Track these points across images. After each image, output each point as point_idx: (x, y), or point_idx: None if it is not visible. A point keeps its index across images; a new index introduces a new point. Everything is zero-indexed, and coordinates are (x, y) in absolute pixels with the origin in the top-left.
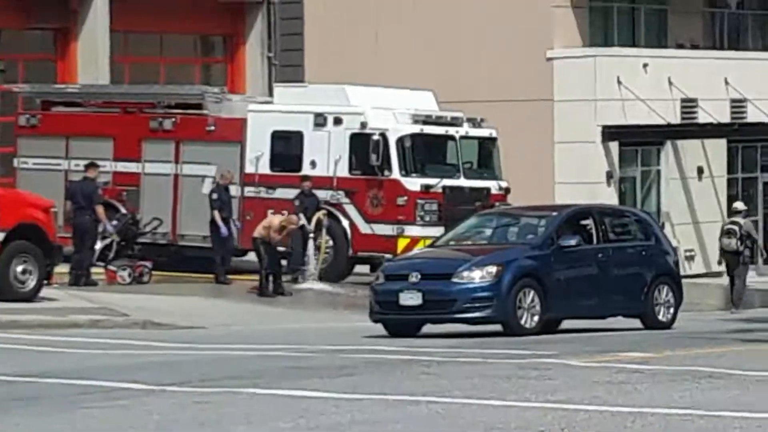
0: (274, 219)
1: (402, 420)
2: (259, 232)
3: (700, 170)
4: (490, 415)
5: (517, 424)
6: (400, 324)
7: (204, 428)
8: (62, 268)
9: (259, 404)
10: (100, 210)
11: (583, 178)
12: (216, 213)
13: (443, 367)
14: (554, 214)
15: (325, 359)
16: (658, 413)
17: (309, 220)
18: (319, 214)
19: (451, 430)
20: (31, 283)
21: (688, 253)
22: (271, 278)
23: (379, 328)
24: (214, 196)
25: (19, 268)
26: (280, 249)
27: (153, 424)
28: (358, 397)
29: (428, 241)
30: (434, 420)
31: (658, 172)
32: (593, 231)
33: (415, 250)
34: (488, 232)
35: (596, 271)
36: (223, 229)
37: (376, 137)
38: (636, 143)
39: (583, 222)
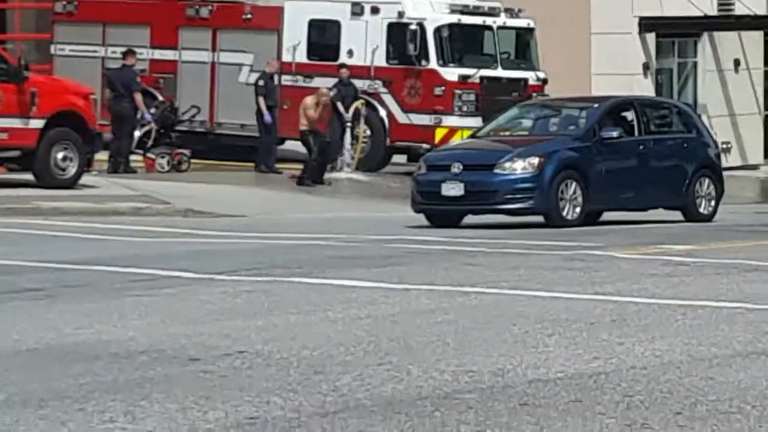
0: (306, 99)
1: (452, 311)
2: (302, 124)
3: (736, 62)
4: (539, 306)
5: (568, 316)
6: (442, 214)
7: (256, 317)
8: (101, 156)
9: (308, 293)
10: (138, 98)
11: (620, 70)
12: (261, 100)
13: (488, 258)
14: (595, 105)
15: (369, 249)
16: (707, 306)
17: (347, 109)
18: (357, 103)
19: (502, 321)
20: (72, 170)
21: (724, 146)
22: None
23: (421, 218)
24: (261, 83)
25: (60, 155)
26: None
27: (204, 312)
28: (406, 287)
29: (466, 132)
30: (484, 311)
31: (695, 63)
32: (634, 123)
33: (457, 141)
34: (529, 123)
35: (637, 163)
36: (267, 116)
37: (413, 27)
38: (673, 35)
39: (625, 114)
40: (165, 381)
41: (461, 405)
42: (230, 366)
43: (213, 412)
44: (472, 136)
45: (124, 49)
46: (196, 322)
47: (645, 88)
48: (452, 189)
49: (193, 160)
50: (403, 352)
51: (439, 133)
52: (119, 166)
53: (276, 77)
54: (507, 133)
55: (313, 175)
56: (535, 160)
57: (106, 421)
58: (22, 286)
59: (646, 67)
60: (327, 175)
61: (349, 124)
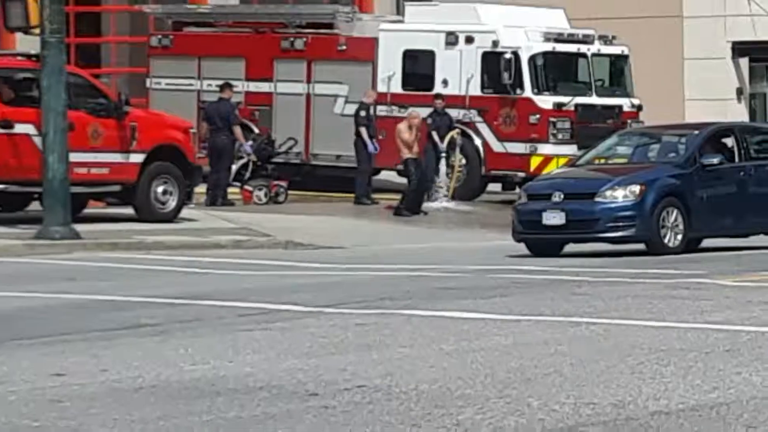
0: (399, 126)
1: (565, 342)
2: (403, 152)
3: None
4: (651, 336)
5: (681, 346)
6: (544, 243)
7: (371, 350)
8: (200, 189)
9: (419, 326)
10: (237, 131)
11: (713, 95)
12: (364, 130)
13: (594, 287)
14: (695, 132)
15: (473, 279)
16: None
17: (442, 139)
18: (453, 132)
19: (617, 352)
20: (172, 203)
21: None
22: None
23: (521, 248)
24: (362, 113)
25: (160, 189)
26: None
27: (317, 346)
28: (515, 318)
29: (562, 160)
30: (597, 341)
31: None
32: (735, 149)
33: (557, 170)
34: (629, 151)
35: (738, 190)
36: (371, 146)
37: (508, 55)
38: (766, 59)
39: (725, 140)
40: (288, 417)
41: None
42: (351, 401)
43: None
44: (572, 165)
45: (220, 83)
46: (311, 356)
47: (738, 114)
48: (553, 218)
49: (289, 192)
50: (521, 385)
51: (535, 161)
52: (217, 198)
53: (372, 108)
54: (606, 161)
55: (411, 205)
56: (636, 188)
57: None
58: (135, 321)
59: (739, 92)
60: (424, 205)
61: (443, 154)
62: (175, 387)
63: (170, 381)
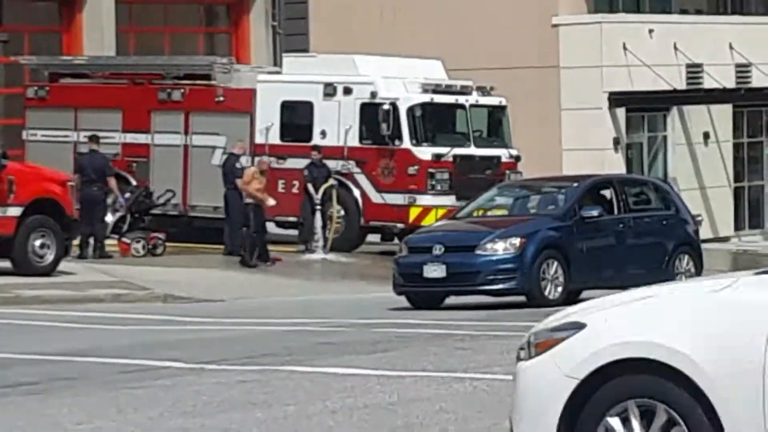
0: (247, 171)
1: (449, 398)
2: (246, 197)
3: (706, 135)
4: None
5: None
6: (425, 296)
7: (255, 408)
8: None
9: (302, 382)
10: (112, 182)
11: (591, 145)
12: (240, 182)
13: (477, 341)
14: (575, 184)
15: (355, 334)
16: None
17: (317, 191)
18: (326, 185)
19: (501, 408)
20: (50, 257)
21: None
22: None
23: (401, 300)
24: (238, 165)
25: (38, 243)
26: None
27: (201, 404)
28: (399, 374)
29: (441, 210)
30: (481, 397)
31: (665, 137)
32: (614, 201)
33: (437, 223)
34: (509, 203)
35: (617, 242)
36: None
37: (386, 107)
38: (642, 109)
39: (604, 192)
40: None
41: None
42: None
43: None
44: (453, 217)
45: (89, 135)
46: (195, 415)
47: (616, 163)
48: (434, 271)
49: (167, 244)
50: None
51: (414, 212)
52: (96, 250)
53: (243, 159)
54: (486, 213)
55: (255, 251)
56: (517, 241)
57: None
58: (14, 380)
59: (616, 141)
60: (303, 257)
61: (319, 206)
62: None
63: None
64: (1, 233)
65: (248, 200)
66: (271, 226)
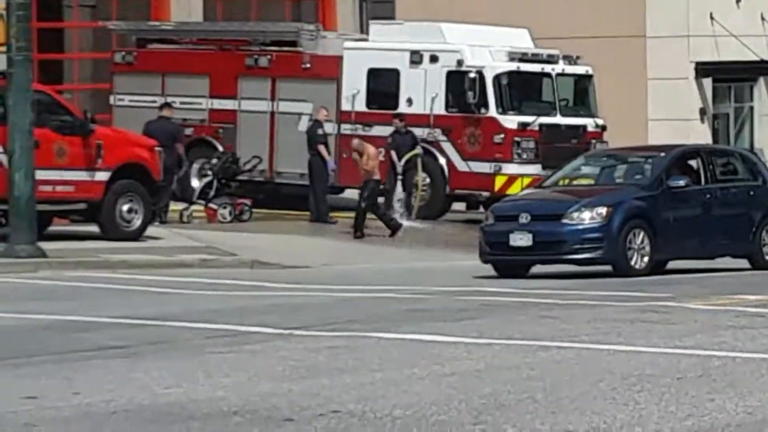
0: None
1: (536, 366)
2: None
3: None
4: (622, 361)
5: (653, 371)
6: (511, 265)
7: (343, 374)
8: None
9: (390, 349)
10: (181, 149)
11: (677, 115)
12: (323, 148)
13: (564, 310)
14: (662, 154)
15: (441, 301)
16: None
17: (400, 159)
18: (414, 152)
19: (589, 378)
20: (137, 222)
21: None
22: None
23: (487, 268)
24: (320, 131)
25: (125, 207)
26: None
27: (289, 369)
28: (486, 341)
29: (526, 179)
30: (569, 366)
31: (751, 108)
32: (701, 171)
33: (524, 191)
34: (595, 172)
35: (704, 212)
36: (331, 163)
37: (472, 75)
38: (729, 79)
39: (691, 162)
40: None
41: None
42: (326, 427)
43: None
44: (539, 186)
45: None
46: (283, 380)
47: (701, 134)
48: (520, 239)
49: (254, 210)
50: (495, 411)
51: (499, 181)
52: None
53: (329, 126)
54: (573, 182)
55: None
56: (603, 210)
57: None
58: (104, 343)
59: (702, 112)
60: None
61: (401, 175)
62: (149, 411)
63: (143, 405)
64: (90, 198)
65: (376, 177)
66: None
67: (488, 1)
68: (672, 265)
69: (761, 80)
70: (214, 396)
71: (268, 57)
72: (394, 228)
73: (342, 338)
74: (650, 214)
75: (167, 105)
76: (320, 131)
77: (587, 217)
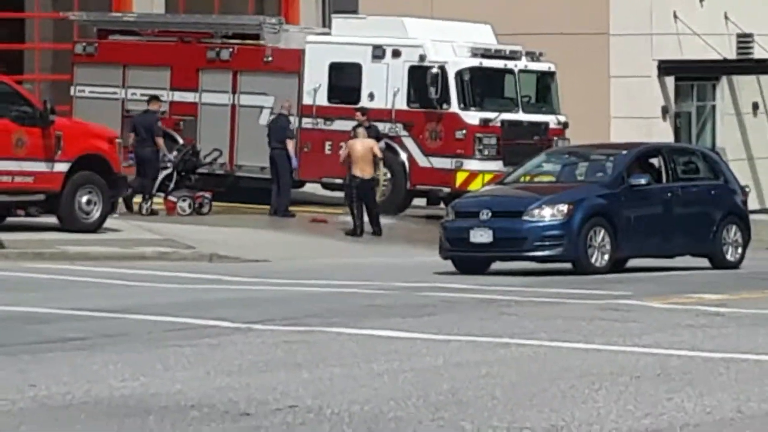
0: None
1: (495, 363)
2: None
3: (755, 106)
4: (580, 359)
5: (612, 369)
6: (471, 261)
7: (301, 369)
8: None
9: (348, 344)
10: (160, 142)
11: (639, 113)
12: (292, 143)
13: (522, 307)
14: (623, 152)
15: (401, 297)
16: (749, 359)
17: None
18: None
19: (547, 375)
20: (96, 213)
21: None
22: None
23: (447, 264)
24: (291, 126)
25: (84, 199)
26: (337, 181)
27: (247, 363)
28: (445, 338)
29: (488, 176)
30: (527, 363)
31: (713, 107)
32: (662, 169)
33: (484, 188)
34: (556, 169)
35: (665, 210)
36: (294, 161)
37: (435, 70)
38: (691, 78)
39: (652, 160)
40: None
41: None
42: (283, 421)
43: None
44: (500, 182)
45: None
46: (241, 374)
47: (664, 132)
48: (481, 236)
49: (213, 203)
50: (453, 407)
51: (460, 177)
52: (141, 207)
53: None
54: (534, 179)
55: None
56: (564, 207)
57: None
58: (60, 335)
59: (665, 110)
60: (349, 219)
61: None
62: (105, 404)
63: (100, 397)
64: (49, 189)
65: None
66: (317, 188)
67: None
68: (632, 263)
69: (724, 79)
70: (171, 390)
71: (230, 50)
72: (375, 232)
73: (300, 333)
74: (611, 212)
75: (155, 98)
76: (291, 126)
77: (548, 215)
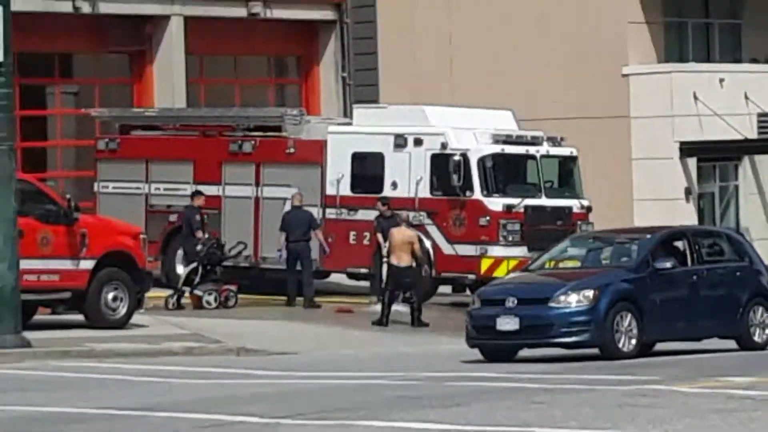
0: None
1: None
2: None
3: None
4: None
5: None
6: (498, 349)
7: None
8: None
9: None
10: (199, 234)
11: (662, 195)
12: (319, 233)
13: (551, 395)
14: (648, 236)
15: (429, 387)
16: None
17: (385, 241)
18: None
19: None
20: (122, 310)
21: None
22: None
23: (474, 353)
24: (314, 216)
25: (110, 296)
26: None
27: None
28: (476, 429)
29: (512, 262)
30: None
31: (736, 187)
32: (687, 252)
33: (510, 275)
34: (581, 254)
35: (691, 293)
36: (326, 248)
37: (457, 158)
38: (713, 159)
39: (677, 243)
40: None
41: None
42: None
43: None
44: (525, 269)
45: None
46: None
47: (687, 213)
48: (507, 323)
49: (239, 296)
50: None
51: (485, 264)
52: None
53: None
54: (559, 265)
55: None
56: (590, 293)
57: None
58: None
59: (687, 191)
60: (375, 308)
61: (386, 258)
62: None
63: None
64: (74, 286)
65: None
66: (342, 278)
67: (472, 83)
68: (659, 346)
69: (746, 159)
70: None
71: (252, 142)
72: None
73: (330, 427)
74: (637, 297)
75: (198, 193)
76: (313, 216)
77: (574, 300)
